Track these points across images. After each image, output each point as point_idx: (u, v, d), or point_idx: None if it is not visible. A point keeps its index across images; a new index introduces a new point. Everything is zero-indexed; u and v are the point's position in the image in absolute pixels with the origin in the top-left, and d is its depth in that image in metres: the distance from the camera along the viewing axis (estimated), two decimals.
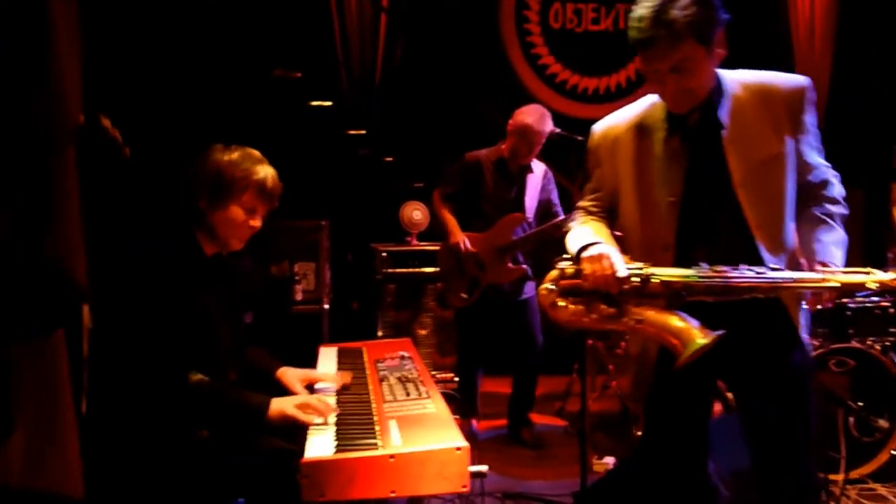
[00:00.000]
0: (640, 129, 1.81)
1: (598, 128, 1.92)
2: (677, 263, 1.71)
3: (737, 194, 1.70)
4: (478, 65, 4.86)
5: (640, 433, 3.62)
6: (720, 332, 1.56)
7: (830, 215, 1.77)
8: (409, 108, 4.70)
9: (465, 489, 1.53)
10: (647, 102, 1.85)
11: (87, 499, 1.23)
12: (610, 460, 3.33)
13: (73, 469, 1.13)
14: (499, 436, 3.84)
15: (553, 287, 1.74)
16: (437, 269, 4.02)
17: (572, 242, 1.81)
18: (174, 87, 2.87)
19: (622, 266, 1.66)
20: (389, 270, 4.38)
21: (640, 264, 1.67)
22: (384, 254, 4.38)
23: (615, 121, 1.89)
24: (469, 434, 3.69)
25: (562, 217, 3.50)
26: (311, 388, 2.09)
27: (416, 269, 4.37)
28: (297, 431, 1.79)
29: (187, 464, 1.81)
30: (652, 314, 1.63)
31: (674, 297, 1.64)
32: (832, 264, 1.65)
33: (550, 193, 3.70)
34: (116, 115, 2.20)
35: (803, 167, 1.76)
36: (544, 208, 3.66)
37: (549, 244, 3.54)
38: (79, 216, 1.27)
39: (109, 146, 2.16)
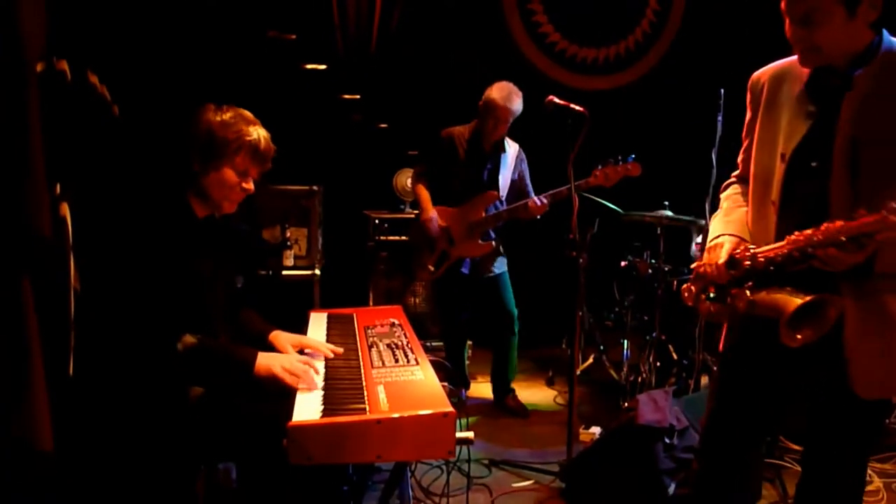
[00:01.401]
0: (783, 77, 1.71)
1: (754, 74, 1.82)
2: (780, 223, 1.65)
3: (835, 167, 1.56)
4: (476, 32, 4.79)
5: (626, 404, 3.67)
6: (819, 295, 1.49)
7: None
8: (405, 75, 4.63)
9: (450, 456, 1.54)
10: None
11: (57, 452, 1.20)
12: (596, 430, 3.37)
13: (42, 422, 1.11)
14: (487, 404, 3.88)
15: (693, 287, 1.74)
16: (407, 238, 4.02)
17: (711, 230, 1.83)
18: (166, 45, 2.80)
19: (725, 253, 1.66)
20: (382, 238, 4.37)
21: (750, 246, 1.65)
22: (377, 221, 4.36)
23: (768, 66, 1.79)
24: (457, 402, 3.72)
25: (532, 198, 3.51)
26: (301, 353, 2.09)
27: (409, 235, 4.36)
28: (284, 391, 1.79)
29: (175, 426, 1.81)
30: (763, 295, 1.58)
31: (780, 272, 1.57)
32: None
33: (523, 172, 3.72)
34: (105, 72, 2.16)
35: None
36: (517, 187, 3.69)
37: (518, 222, 3.58)
38: (42, 164, 1.21)
39: (97, 104, 2.13)
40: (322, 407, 1.60)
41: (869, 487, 2.81)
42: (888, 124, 1.54)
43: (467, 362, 4.12)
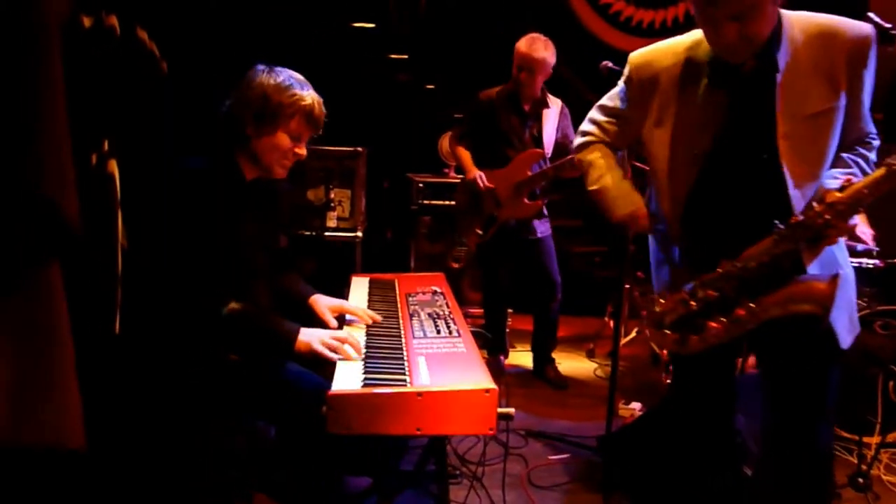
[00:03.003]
0: (685, 70, 1.67)
1: (637, 58, 1.78)
2: (687, 219, 1.68)
3: (778, 148, 1.57)
4: None
5: (669, 381, 3.60)
6: (836, 274, 1.49)
7: (860, 159, 1.63)
8: (454, 35, 4.52)
9: (491, 432, 1.51)
10: (693, 38, 1.68)
11: (90, 444, 1.15)
12: (637, 405, 3.32)
13: (72, 417, 1.07)
14: (525, 373, 3.85)
15: (659, 329, 1.71)
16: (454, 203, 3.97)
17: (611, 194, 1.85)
18: (216, 2, 2.78)
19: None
20: (425, 202, 4.33)
21: (732, 261, 1.61)
22: (420, 184, 4.32)
23: (656, 55, 1.74)
24: (496, 370, 3.71)
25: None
26: (341, 318, 2.08)
27: (453, 202, 4.30)
28: (325, 360, 1.78)
29: (216, 383, 1.83)
30: (770, 299, 1.56)
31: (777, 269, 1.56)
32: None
33: (567, 129, 3.60)
34: (155, 28, 2.13)
35: (851, 126, 1.61)
36: (561, 146, 3.57)
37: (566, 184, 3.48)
38: (67, 136, 1.08)
39: (146, 60, 2.11)
40: (363, 377, 1.58)
41: None
42: (811, 99, 1.56)
43: (507, 330, 4.08)
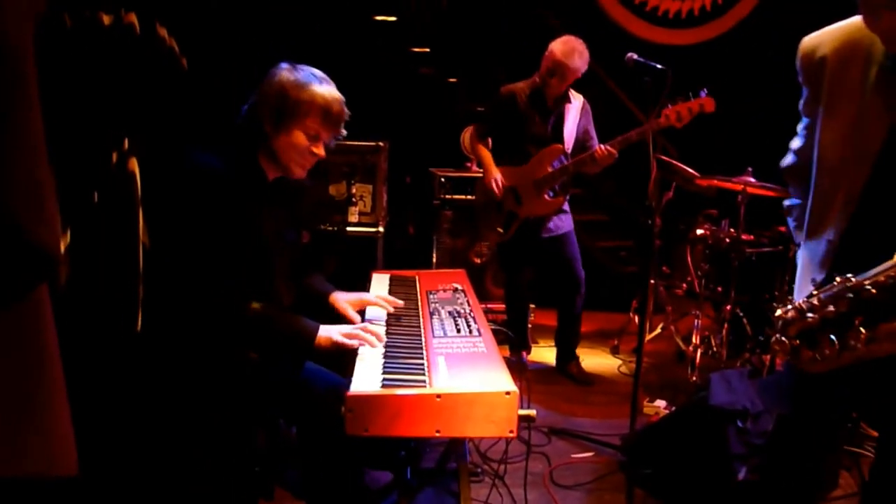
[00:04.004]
0: (855, 53, 1.47)
1: (805, 44, 1.58)
2: (854, 226, 1.46)
3: None
4: None
5: (694, 378, 3.54)
6: None
7: None
8: (477, 28, 4.47)
9: (512, 435, 1.48)
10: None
11: (84, 472, 1.11)
12: (661, 403, 3.27)
13: (62, 444, 1.03)
14: (548, 369, 3.81)
15: (785, 339, 1.52)
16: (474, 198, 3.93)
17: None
18: None
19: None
20: (447, 196, 4.30)
21: (847, 275, 1.42)
22: (442, 179, 4.29)
23: (824, 38, 1.54)
24: (518, 367, 3.68)
25: (596, 148, 3.35)
26: (362, 313, 2.07)
27: (475, 197, 4.27)
28: (345, 360, 1.77)
29: (237, 382, 1.82)
30: (887, 328, 1.37)
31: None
32: None
33: (588, 124, 3.56)
34: (174, 25, 2.13)
35: None
36: (581, 142, 3.53)
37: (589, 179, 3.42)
38: (44, 153, 0.97)
39: (166, 57, 2.10)
40: (382, 378, 1.56)
41: None
42: None
43: (529, 326, 4.04)
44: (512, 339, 3.67)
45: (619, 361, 4.01)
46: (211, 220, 1.81)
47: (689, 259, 4.23)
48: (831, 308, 1.44)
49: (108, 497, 1.83)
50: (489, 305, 4.27)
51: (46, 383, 0.98)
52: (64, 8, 1.47)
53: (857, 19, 1.50)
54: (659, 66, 2.64)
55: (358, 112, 2.18)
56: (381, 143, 4.06)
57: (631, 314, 4.33)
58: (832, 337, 1.43)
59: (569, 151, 3.50)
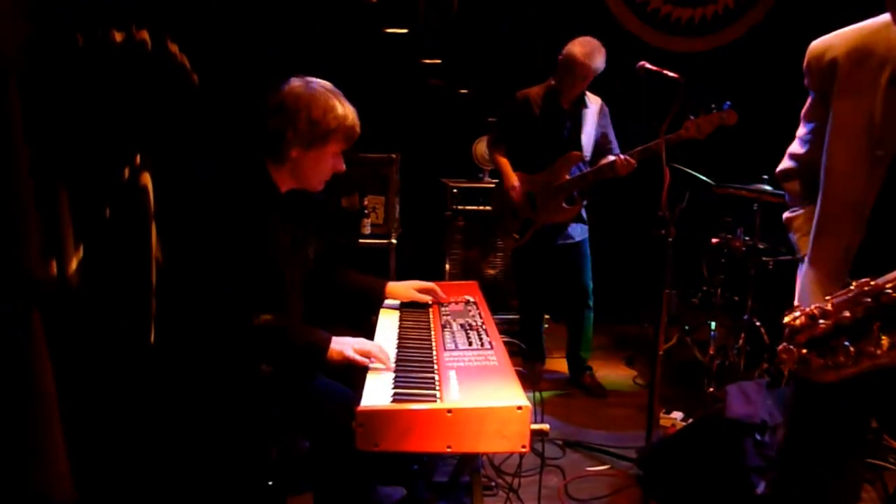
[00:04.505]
0: (863, 54, 1.43)
1: (814, 47, 1.56)
2: (872, 233, 1.42)
3: None
4: None
5: (711, 390, 3.49)
6: None
7: None
8: (487, 38, 4.47)
9: (524, 450, 1.46)
10: (877, 23, 1.46)
11: (99, 485, 1.09)
12: (678, 415, 3.22)
13: (56, 471, 1.03)
14: (563, 380, 3.78)
15: (793, 348, 1.46)
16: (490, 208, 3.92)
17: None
18: (245, 12, 2.79)
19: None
20: (459, 207, 4.29)
21: (865, 279, 1.38)
22: (454, 189, 4.28)
23: (834, 41, 1.51)
24: (532, 378, 3.64)
25: (616, 154, 3.31)
26: (372, 329, 2.06)
27: (487, 207, 4.26)
28: (355, 373, 1.76)
29: (249, 396, 1.82)
30: None
31: None
32: None
33: (606, 128, 3.50)
34: (185, 41, 2.14)
35: None
36: (600, 146, 3.48)
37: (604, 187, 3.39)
38: (27, 179, 0.98)
39: (177, 73, 2.12)
40: (392, 392, 1.55)
41: None
42: None
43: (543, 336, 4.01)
44: (525, 350, 3.64)
45: (634, 372, 3.97)
46: (223, 234, 1.82)
47: (704, 268, 4.18)
48: (846, 313, 1.38)
49: None
50: (505, 316, 4.26)
51: (41, 414, 0.97)
52: (76, 26, 1.48)
53: (868, 23, 1.48)
54: (671, 75, 2.62)
55: (370, 124, 2.19)
56: (392, 155, 4.06)
57: (645, 325, 4.29)
58: (847, 344, 1.37)
59: (587, 157, 3.46)
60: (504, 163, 3.56)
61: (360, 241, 3.97)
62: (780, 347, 1.50)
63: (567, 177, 3.43)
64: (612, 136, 3.52)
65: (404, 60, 4.36)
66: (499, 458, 2.73)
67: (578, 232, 3.56)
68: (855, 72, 1.45)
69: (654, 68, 2.75)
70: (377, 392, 1.56)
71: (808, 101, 1.61)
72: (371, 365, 1.72)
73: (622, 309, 4.39)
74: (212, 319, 1.82)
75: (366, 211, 4.01)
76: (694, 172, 3.58)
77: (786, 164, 1.71)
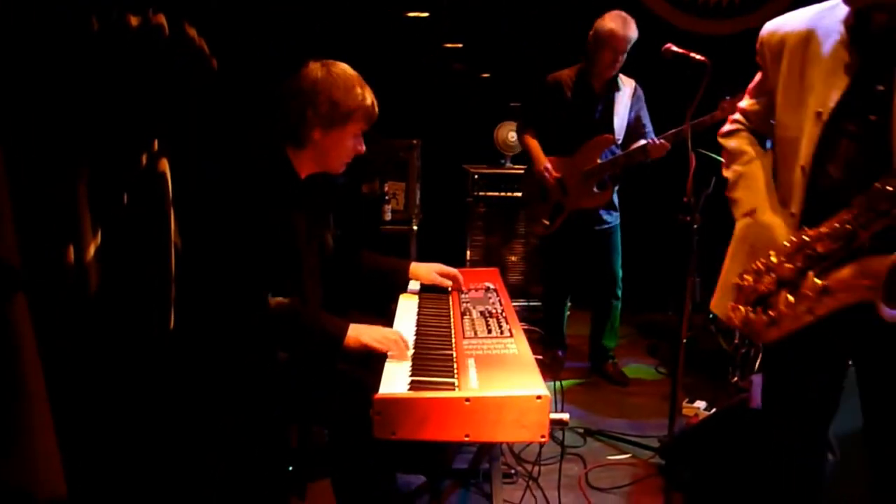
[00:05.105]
0: (812, 31, 1.56)
1: (768, 25, 1.69)
2: (809, 189, 1.51)
3: (892, 113, 1.40)
4: None
5: (735, 379, 3.42)
6: None
7: None
8: (510, 21, 4.41)
9: (544, 440, 1.43)
10: (830, 4, 1.58)
11: (119, 469, 1.07)
12: (701, 404, 3.17)
13: (46, 465, 1.01)
14: (585, 368, 3.74)
15: (742, 308, 1.54)
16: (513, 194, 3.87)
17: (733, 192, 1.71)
18: None
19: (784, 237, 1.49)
20: (481, 193, 4.25)
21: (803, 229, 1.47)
22: (476, 175, 4.24)
23: (787, 19, 1.65)
24: (553, 366, 3.61)
25: (650, 139, 3.24)
26: (391, 317, 2.04)
27: (509, 194, 4.22)
28: (373, 360, 1.75)
29: (266, 381, 1.82)
30: (838, 275, 1.39)
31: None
32: None
33: (640, 111, 3.41)
34: (203, 24, 2.13)
35: None
36: (633, 129, 3.39)
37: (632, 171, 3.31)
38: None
39: (195, 57, 2.11)
40: (409, 380, 1.54)
41: None
42: None
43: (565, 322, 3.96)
44: (545, 339, 3.60)
45: (657, 361, 3.92)
46: (240, 220, 1.81)
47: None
48: (788, 266, 1.46)
49: (142, 493, 1.85)
50: (528, 303, 4.23)
51: (29, 408, 0.96)
52: (90, 11, 1.47)
53: (818, 6, 1.60)
54: (698, 58, 2.55)
55: (391, 109, 2.16)
56: (413, 141, 4.04)
57: (670, 312, 4.23)
58: (787, 295, 1.44)
59: (619, 141, 3.37)
60: (534, 145, 3.47)
61: (381, 227, 3.96)
62: (730, 306, 1.58)
63: (598, 161, 3.35)
64: (646, 120, 3.43)
65: (426, 45, 4.31)
66: (518, 446, 2.71)
67: (609, 218, 3.49)
68: (802, 47, 1.56)
69: (681, 51, 2.69)
70: (395, 380, 1.54)
71: (757, 76, 1.73)
72: (389, 353, 1.71)
73: (645, 296, 4.33)
74: (228, 304, 1.82)
75: (386, 197, 3.99)
76: (720, 158, 3.50)
77: (727, 127, 1.85)
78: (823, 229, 1.42)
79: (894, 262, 1.31)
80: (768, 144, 1.83)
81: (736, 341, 3.71)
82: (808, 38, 1.55)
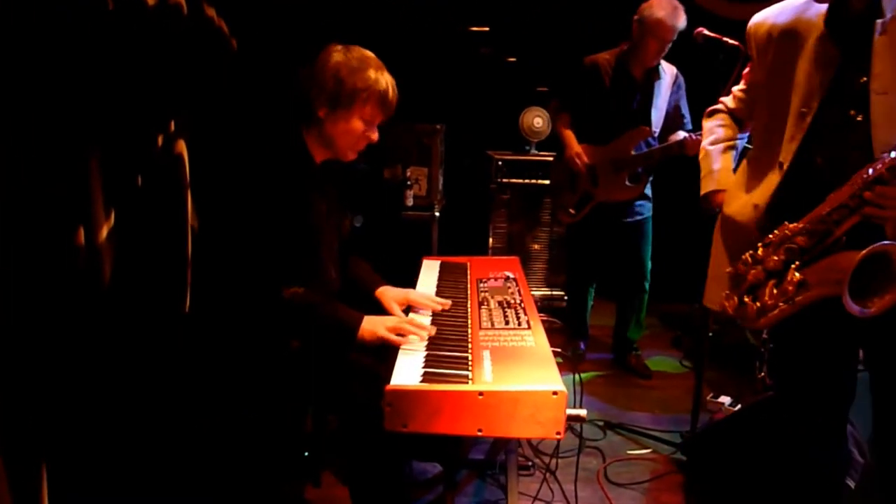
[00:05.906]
0: (796, 25, 1.60)
1: (755, 18, 1.75)
2: (784, 186, 1.57)
3: (870, 106, 1.43)
4: None
5: (762, 374, 3.34)
6: (883, 245, 1.37)
7: None
8: (537, 4, 4.31)
9: (559, 436, 1.39)
10: None
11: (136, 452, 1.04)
12: (726, 399, 3.10)
13: None
14: (606, 360, 3.68)
15: (735, 297, 1.62)
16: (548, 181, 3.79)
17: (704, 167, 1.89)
18: None
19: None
20: (505, 180, 4.19)
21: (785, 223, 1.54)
22: (500, 162, 4.18)
23: (772, 12, 1.70)
24: (575, 357, 3.56)
25: (688, 132, 3.14)
26: (407, 311, 2.01)
27: (534, 181, 4.15)
28: (386, 351, 1.72)
29: (280, 367, 1.80)
30: (814, 268, 1.45)
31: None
32: None
33: (680, 100, 3.29)
34: (223, 5, 2.10)
35: None
36: (671, 119, 3.28)
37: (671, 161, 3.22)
38: None
39: (215, 38, 2.08)
40: (422, 371, 1.50)
41: None
42: None
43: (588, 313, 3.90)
44: (566, 331, 3.55)
45: (682, 354, 3.84)
46: (257, 203, 1.79)
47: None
48: (773, 258, 1.53)
49: (157, 476, 1.85)
50: (545, 292, 4.17)
51: None
52: None
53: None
54: (732, 42, 2.46)
55: (415, 94, 2.12)
56: (437, 126, 3.98)
57: (695, 305, 4.13)
58: (773, 288, 1.51)
59: (657, 132, 3.26)
60: (567, 131, 3.38)
61: (403, 213, 3.92)
62: (724, 295, 1.66)
63: (633, 152, 3.26)
64: (684, 110, 3.31)
65: (452, 28, 4.24)
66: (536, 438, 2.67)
67: (642, 210, 3.39)
68: (786, 40, 1.61)
69: (713, 35, 2.60)
70: (407, 371, 1.51)
71: (749, 65, 1.80)
72: (404, 343, 1.67)
73: (670, 288, 4.24)
74: (243, 289, 1.80)
75: (409, 182, 3.95)
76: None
77: (713, 107, 1.99)
78: (803, 224, 1.48)
79: (862, 258, 1.35)
80: (744, 140, 1.98)
81: (764, 336, 3.62)
82: (792, 32, 1.60)
